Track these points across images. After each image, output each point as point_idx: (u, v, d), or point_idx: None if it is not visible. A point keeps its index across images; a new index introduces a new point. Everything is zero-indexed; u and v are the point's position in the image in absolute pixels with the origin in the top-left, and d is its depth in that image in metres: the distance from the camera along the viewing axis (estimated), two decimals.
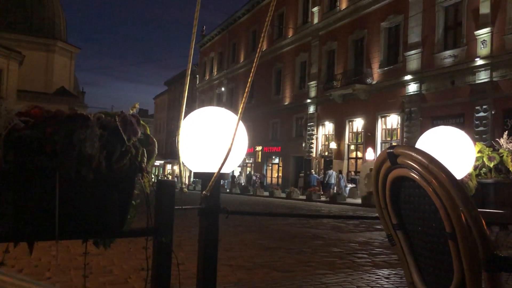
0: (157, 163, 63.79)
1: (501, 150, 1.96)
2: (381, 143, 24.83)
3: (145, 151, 1.40)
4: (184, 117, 1.55)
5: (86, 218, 1.33)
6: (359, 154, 26.89)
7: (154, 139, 1.46)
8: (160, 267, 1.46)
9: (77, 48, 48.56)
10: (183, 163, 1.49)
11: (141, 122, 1.42)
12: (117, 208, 1.40)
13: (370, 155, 24.90)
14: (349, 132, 27.94)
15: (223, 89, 44.96)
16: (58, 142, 1.28)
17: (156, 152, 1.45)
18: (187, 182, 37.28)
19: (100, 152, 1.32)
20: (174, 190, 1.48)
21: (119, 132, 1.34)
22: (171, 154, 52.82)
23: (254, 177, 34.55)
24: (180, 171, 1.49)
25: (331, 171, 26.10)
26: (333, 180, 25.15)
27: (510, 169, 1.89)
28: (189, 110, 1.60)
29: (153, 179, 1.49)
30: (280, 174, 35.49)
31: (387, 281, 4.38)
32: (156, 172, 64.89)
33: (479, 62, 19.03)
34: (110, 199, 1.37)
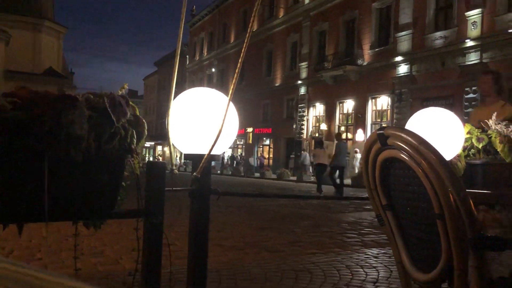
0: (148, 144, 63.58)
1: (489, 132, 1.98)
2: (371, 125, 24.94)
3: (134, 133, 1.39)
4: (174, 98, 1.54)
5: (76, 199, 1.33)
6: (350, 136, 27.01)
7: (144, 120, 1.45)
8: (151, 248, 1.47)
9: (64, 27, 47.76)
10: (173, 144, 1.48)
11: (130, 103, 1.41)
12: (107, 190, 1.39)
13: (360, 136, 25.02)
14: (339, 114, 28.00)
15: (213, 69, 44.64)
16: (46, 123, 1.26)
17: (146, 133, 1.44)
18: (178, 163, 37.29)
19: (89, 133, 1.31)
20: (164, 172, 1.48)
21: (108, 113, 1.33)
22: (161, 135, 52.63)
23: (238, 158, 34.88)
24: (170, 152, 1.48)
25: (305, 152, 26.19)
26: (307, 162, 25.22)
27: (498, 150, 1.91)
28: (179, 91, 1.59)
29: (144, 160, 1.49)
30: (271, 156, 35.60)
31: (376, 260, 4.44)
32: (147, 153, 64.71)
33: (469, 43, 19.07)
34: (99, 181, 1.36)
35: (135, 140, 1.40)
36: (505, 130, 1.90)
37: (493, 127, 1.96)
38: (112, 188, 1.41)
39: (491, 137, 1.95)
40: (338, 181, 14.23)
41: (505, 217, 2.36)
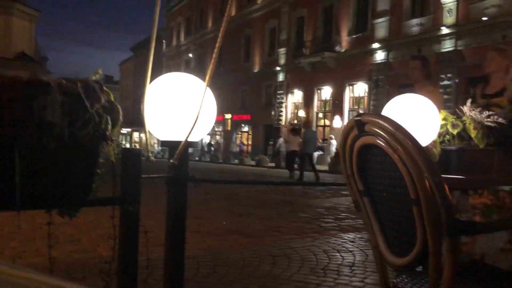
0: (124, 131, 62.76)
1: (464, 118, 2.01)
2: (349, 111, 25.15)
3: (109, 119, 1.36)
4: (150, 83, 1.51)
5: (49, 188, 1.30)
6: (327, 122, 27.20)
7: (119, 106, 1.41)
8: (128, 236, 1.45)
9: (37, 11, 46.37)
10: (149, 131, 1.46)
11: (105, 88, 1.38)
12: (81, 177, 1.36)
13: (338, 123, 25.22)
14: (317, 100, 28.13)
15: (191, 55, 44.17)
16: (17, 109, 1.22)
17: (121, 119, 1.41)
18: (157, 150, 37.03)
19: (62, 119, 1.27)
20: (140, 159, 1.45)
21: (82, 99, 1.30)
22: (138, 122, 52.00)
23: (212, 145, 34.94)
24: (146, 139, 1.46)
25: (281, 139, 26.35)
26: (282, 148, 25.33)
27: (472, 136, 1.95)
28: (155, 76, 1.56)
29: (120, 147, 1.46)
30: (250, 142, 35.62)
31: (352, 245, 4.51)
32: (123, 140, 63.92)
33: (445, 30, 19.32)
34: (74, 168, 1.33)
35: (110, 127, 1.37)
36: (479, 116, 1.94)
37: (467, 114, 1.99)
38: (87, 175, 1.38)
39: (466, 123, 1.98)
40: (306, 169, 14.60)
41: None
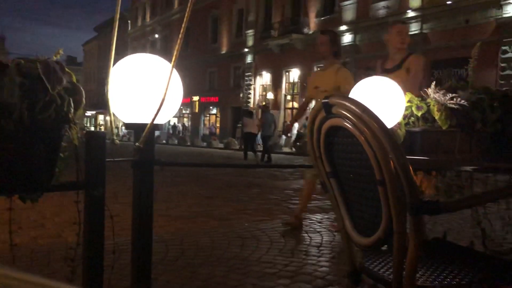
0: (89, 113, 61.33)
1: (428, 100, 2.05)
2: None
3: (71, 101, 1.31)
4: (114, 64, 1.46)
5: (9, 172, 1.25)
6: (295, 105, 27.33)
7: (82, 88, 1.37)
8: (93, 220, 1.42)
9: None
10: (113, 113, 1.42)
11: (66, 69, 1.33)
12: (43, 162, 1.32)
13: None
14: (285, 83, 28.17)
15: (156, 36, 43.26)
16: None
17: (84, 101, 1.37)
18: (124, 132, 36.41)
19: (21, 101, 1.22)
20: (105, 142, 1.42)
21: (42, 80, 1.24)
22: (102, 104, 50.84)
23: (178, 127, 34.62)
24: (111, 122, 1.42)
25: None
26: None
27: (436, 118, 1.99)
28: (120, 58, 1.51)
29: (84, 130, 1.42)
30: (218, 125, 35.44)
31: (319, 225, 4.59)
32: (88, 123, 62.46)
33: (411, 13, 19.59)
34: (35, 152, 1.29)
35: (72, 109, 1.32)
36: (442, 98, 1.98)
37: (431, 96, 2.03)
38: (49, 159, 1.33)
39: (430, 105, 2.02)
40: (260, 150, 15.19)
41: (441, 182, 2.48)
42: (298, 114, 5.35)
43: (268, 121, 15.18)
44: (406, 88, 3.66)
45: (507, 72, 16.34)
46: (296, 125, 24.46)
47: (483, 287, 1.24)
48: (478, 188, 2.41)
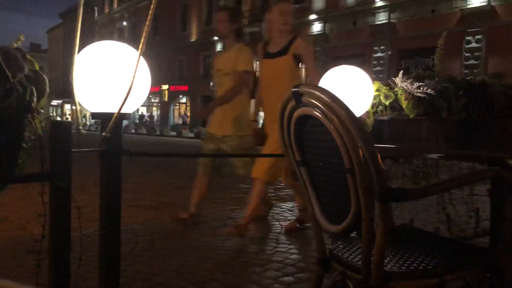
0: (54, 102, 59.75)
1: (396, 89, 2.08)
2: None
3: (34, 90, 1.27)
4: (80, 52, 1.42)
5: None
6: None
7: (45, 76, 1.32)
8: (59, 212, 1.39)
9: None
10: (79, 102, 1.38)
11: (28, 57, 1.28)
12: (5, 152, 1.27)
13: None
14: (256, 71, 28.11)
15: (124, 23, 42.33)
16: None
17: (48, 90, 1.32)
18: (92, 122, 35.64)
19: None
20: (70, 132, 1.38)
21: (2, 68, 1.20)
22: (68, 93, 49.59)
23: (145, 117, 34.22)
24: (76, 111, 1.38)
25: None
26: None
27: (403, 106, 2.02)
28: (87, 45, 1.47)
29: (49, 120, 1.38)
30: (188, 114, 35.12)
31: (290, 213, 4.63)
32: (54, 112, 60.84)
33: (379, 3, 19.82)
34: None
35: (35, 98, 1.28)
36: (410, 87, 2.01)
37: (399, 85, 2.06)
38: (11, 150, 1.29)
39: (397, 94, 2.05)
40: None
41: (408, 169, 2.54)
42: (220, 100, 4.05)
43: None
44: (295, 76, 3.58)
45: (471, 61, 16.80)
46: (261, 113, 24.65)
47: (449, 271, 1.27)
48: (444, 175, 2.48)
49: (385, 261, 1.28)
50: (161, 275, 2.69)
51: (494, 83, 2.15)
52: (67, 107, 59.29)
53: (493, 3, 16.35)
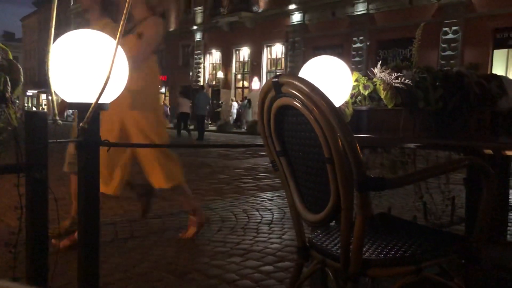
0: (30, 92, 58.46)
1: (375, 79, 2.10)
2: (267, 73, 25.38)
3: (8, 79, 1.24)
4: (55, 41, 1.39)
5: None
6: (246, 84, 27.28)
7: (19, 66, 1.29)
8: (36, 204, 1.36)
9: None
10: (55, 92, 1.35)
11: (1, 45, 1.25)
12: None
13: (256, 84, 25.41)
14: (236, 61, 28.00)
15: None
16: None
17: (22, 80, 1.29)
18: (70, 112, 35.00)
19: None
20: (47, 122, 1.35)
21: None
22: (45, 82, 48.47)
23: None
24: (53, 101, 1.35)
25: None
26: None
27: (381, 96, 2.04)
28: (62, 34, 1.43)
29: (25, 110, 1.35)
30: (168, 104, 34.78)
31: (270, 203, 4.65)
32: (29, 102, 59.54)
33: None
34: None
35: (9, 88, 1.25)
36: (388, 78, 2.03)
37: (378, 75, 2.08)
38: None
39: (376, 84, 2.07)
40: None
41: (386, 158, 2.57)
42: None
43: (202, 101, 15.58)
44: (132, 54, 2.92)
45: (448, 52, 17.04)
46: (235, 103, 24.79)
47: (425, 258, 1.30)
48: (421, 164, 2.52)
49: (364, 249, 1.30)
50: (141, 266, 2.68)
51: (470, 74, 2.19)
52: (43, 97, 58.08)
53: None
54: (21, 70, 1.29)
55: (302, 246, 1.50)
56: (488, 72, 12.19)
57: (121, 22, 1.27)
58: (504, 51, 16.29)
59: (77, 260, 1.47)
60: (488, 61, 16.02)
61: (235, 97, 27.43)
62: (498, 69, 15.82)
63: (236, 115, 24.76)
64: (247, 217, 4.02)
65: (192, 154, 9.84)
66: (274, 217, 4.03)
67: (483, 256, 1.45)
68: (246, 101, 24.17)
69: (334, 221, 1.39)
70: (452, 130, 2.14)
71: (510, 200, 2.41)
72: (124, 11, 1.24)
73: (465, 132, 2.19)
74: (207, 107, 16.42)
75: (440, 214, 3.03)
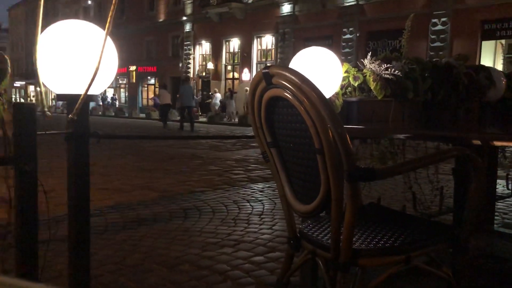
0: (17, 84, 57.74)
1: (364, 70, 2.10)
2: (257, 64, 25.31)
3: None
4: (43, 31, 1.37)
5: None
6: (236, 75, 27.19)
7: (6, 56, 1.27)
8: (25, 197, 1.35)
9: None
10: (43, 83, 1.34)
11: None
12: None
13: (246, 75, 25.34)
14: (226, 52, 27.87)
15: (89, 2, 41.01)
16: None
17: (10, 71, 1.28)
18: (60, 104, 34.63)
19: None
20: (35, 114, 1.34)
21: None
22: (32, 74, 47.88)
23: (105, 98, 33.66)
24: (41, 92, 1.34)
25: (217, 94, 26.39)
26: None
27: (371, 87, 2.05)
28: (50, 25, 1.41)
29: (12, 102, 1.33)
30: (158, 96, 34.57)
31: (261, 194, 4.67)
32: (17, 94, 58.80)
33: None
34: None
35: None
36: (378, 69, 2.04)
37: (367, 66, 2.08)
38: None
39: (366, 75, 2.07)
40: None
41: (376, 149, 2.59)
42: None
43: (187, 93, 15.99)
44: None
45: (437, 43, 17.12)
46: (218, 95, 24.88)
47: (415, 248, 1.32)
48: (410, 155, 2.54)
49: (354, 239, 1.31)
50: (131, 258, 2.68)
51: (459, 65, 2.20)
52: (31, 88, 57.40)
53: None
54: (8, 61, 1.27)
55: (292, 236, 1.50)
56: (477, 64, 12.26)
57: (110, 13, 1.26)
58: (492, 42, 16.41)
59: (67, 252, 1.46)
60: (476, 52, 16.13)
61: (225, 88, 27.34)
62: (486, 60, 15.94)
63: (219, 106, 24.85)
64: (238, 208, 4.03)
65: (183, 146, 9.81)
66: (265, 208, 4.04)
67: (471, 245, 1.47)
68: (228, 92, 24.30)
69: (324, 212, 1.40)
70: (441, 121, 2.16)
71: (497, 190, 2.44)
72: (113, 1, 1.23)
73: (454, 123, 2.21)
74: (193, 98, 16.77)
75: (429, 204, 3.06)
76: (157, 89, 34.56)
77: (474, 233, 1.71)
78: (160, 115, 18.52)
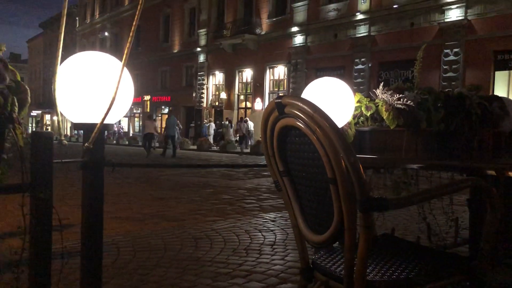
0: (34, 113, 58.86)
1: (377, 100, 2.11)
2: (269, 94, 25.53)
3: (15, 100, 1.25)
4: (62, 62, 1.41)
5: None
6: (248, 104, 27.41)
7: (26, 86, 1.31)
8: (40, 224, 1.37)
9: None
10: (61, 113, 1.37)
11: (10, 67, 1.27)
12: None
13: (259, 105, 25.54)
14: (238, 82, 28.20)
15: (106, 33, 42.07)
16: None
17: (30, 100, 1.31)
18: (76, 133, 35.12)
19: None
20: (52, 142, 1.36)
21: None
22: (49, 103, 48.80)
23: (115, 128, 34.20)
24: (58, 121, 1.37)
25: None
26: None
27: (384, 117, 2.05)
28: (68, 56, 1.46)
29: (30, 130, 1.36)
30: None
31: (273, 224, 4.63)
32: (33, 123, 59.85)
33: (360, 16, 20.13)
34: None
35: (16, 108, 1.27)
36: (390, 99, 2.05)
37: (380, 96, 2.10)
38: None
39: (378, 105, 2.08)
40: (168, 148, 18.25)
41: (389, 179, 2.57)
42: None
43: (172, 124, 18.25)
44: None
45: (449, 74, 17.13)
46: (212, 124, 25.98)
47: (430, 280, 1.29)
48: (423, 185, 2.52)
49: (368, 270, 1.29)
50: (143, 287, 2.66)
51: (471, 95, 2.21)
52: (47, 117, 58.43)
53: (469, 17, 16.75)
54: (28, 91, 1.31)
55: (305, 267, 1.49)
56: (490, 94, 12.20)
57: (127, 45, 1.30)
58: (506, 72, 16.37)
59: (79, 282, 1.46)
60: (489, 82, 16.09)
61: (237, 117, 27.53)
62: (499, 90, 15.87)
63: (214, 135, 26.02)
64: (249, 238, 4.00)
65: (195, 174, 9.84)
66: (277, 238, 4.00)
67: (488, 278, 1.43)
68: (227, 121, 25.07)
69: (337, 242, 1.39)
70: (455, 151, 2.15)
71: None
72: (131, 33, 1.27)
73: (468, 153, 2.20)
74: (176, 128, 18.97)
75: (444, 235, 3.01)
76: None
77: (492, 266, 1.67)
78: (143, 144, 20.27)
